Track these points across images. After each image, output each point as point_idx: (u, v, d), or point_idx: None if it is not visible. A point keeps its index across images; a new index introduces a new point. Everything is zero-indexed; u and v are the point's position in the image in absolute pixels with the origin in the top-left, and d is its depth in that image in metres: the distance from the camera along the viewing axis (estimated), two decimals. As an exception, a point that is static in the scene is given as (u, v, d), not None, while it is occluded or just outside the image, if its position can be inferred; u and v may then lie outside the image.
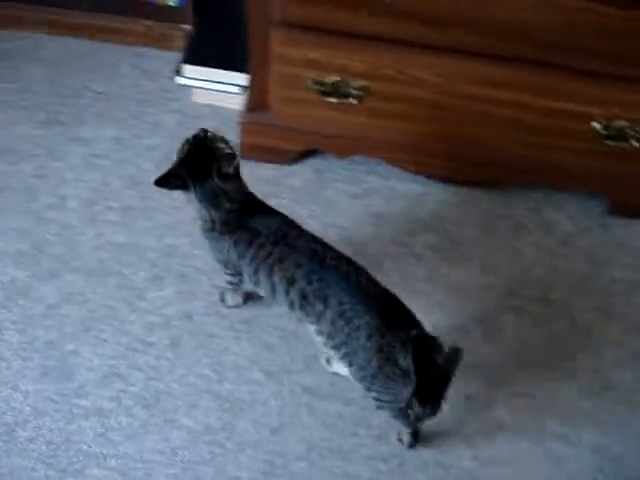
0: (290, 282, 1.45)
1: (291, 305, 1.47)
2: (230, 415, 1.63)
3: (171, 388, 1.65)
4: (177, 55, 2.15)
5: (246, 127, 1.93)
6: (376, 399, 1.48)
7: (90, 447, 1.58)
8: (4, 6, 2.19)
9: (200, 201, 1.46)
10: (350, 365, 1.46)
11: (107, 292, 1.78)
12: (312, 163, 2.01)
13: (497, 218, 1.96)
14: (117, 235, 1.84)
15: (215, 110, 2.09)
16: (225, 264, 1.60)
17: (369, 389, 1.46)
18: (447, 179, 1.96)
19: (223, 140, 1.45)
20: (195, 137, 1.44)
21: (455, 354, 1.36)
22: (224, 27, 2.09)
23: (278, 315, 1.73)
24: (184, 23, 2.14)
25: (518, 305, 1.82)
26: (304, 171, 2.00)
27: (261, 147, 1.95)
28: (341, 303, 1.40)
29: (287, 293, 1.46)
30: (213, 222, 1.50)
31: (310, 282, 1.43)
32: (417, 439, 1.59)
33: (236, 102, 2.04)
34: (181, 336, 1.72)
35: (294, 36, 1.68)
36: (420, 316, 1.44)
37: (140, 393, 1.64)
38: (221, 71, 2.00)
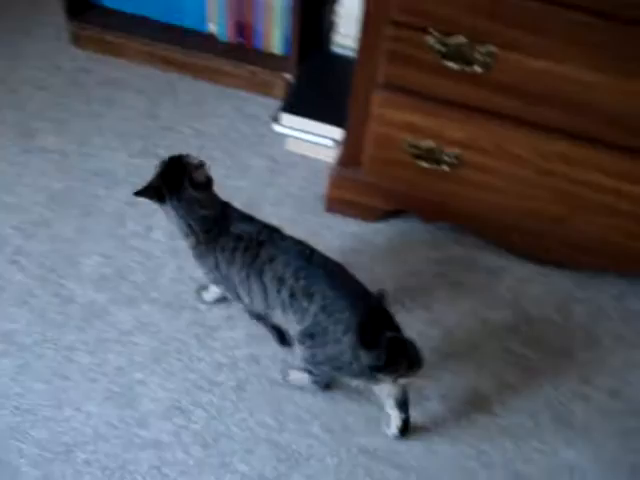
0: (280, 281, 1.49)
1: (282, 305, 1.51)
2: (285, 467, 1.62)
3: (231, 431, 1.65)
4: (276, 102, 2.20)
5: (335, 180, 1.95)
6: (313, 374, 1.61)
7: (144, 478, 1.59)
8: (119, 36, 2.28)
9: (176, 211, 1.53)
10: (311, 351, 1.52)
11: (180, 326, 1.80)
12: (396, 223, 2.01)
13: (577, 301, 1.92)
14: (197, 270, 1.86)
15: (306, 160, 2.12)
16: (218, 281, 1.64)
17: (310, 371, 1.59)
18: (530, 256, 1.93)
19: (193, 157, 1.53)
20: (170, 157, 1.53)
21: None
22: (325, 80, 2.13)
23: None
24: (287, 72, 2.18)
25: (588, 394, 1.77)
26: (387, 230, 2.00)
27: (348, 202, 1.97)
28: (325, 297, 1.46)
29: (279, 292, 1.50)
30: (196, 234, 1.56)
31: (298, 279, 1.48)
32: (406, 431, 1.62)
33: (328, 155, 2.07)
34: (247, 379, 1.73)
35: (395, 99, 1.70)
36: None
37: (200, 431, 1.65)
38: (317, 123, 2.02)
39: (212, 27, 2.26)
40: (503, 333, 1.85)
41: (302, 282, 1.47)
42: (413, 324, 1.79)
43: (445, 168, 1.77)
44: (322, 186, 2.03)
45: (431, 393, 1.72)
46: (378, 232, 2.00)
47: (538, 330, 1.86)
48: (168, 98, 2.25)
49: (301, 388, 1.70)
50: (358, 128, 1.81)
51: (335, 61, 2.14)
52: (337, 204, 1.98)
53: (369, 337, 1.38)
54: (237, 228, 1.56)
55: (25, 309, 1.81)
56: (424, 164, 1.79)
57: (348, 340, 1.43)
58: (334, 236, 1.98)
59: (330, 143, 2.04)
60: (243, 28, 2.22)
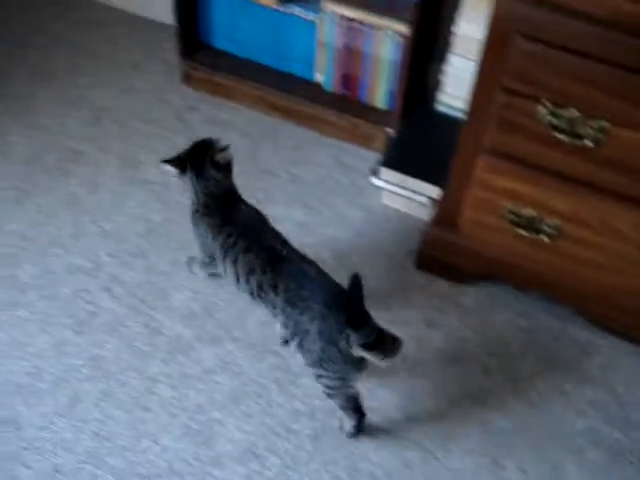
0: (250, 272, 1.59)
1: (251, 294, 1.62)
2: (356, 525, 1.60)
3: (304, 481, 1.65)
4: (375, 155, 2.22)
5: (429, 239, 1.94)
6: (326, 386, 1.58)
7: (214, 519, 1.59)
8: (228, 78, 2.34)
9: (192, 182, 1.69)
10: (302, 352, 1.56)
11: (262, 369, 1.81)
12: (486, 286, 1.99)
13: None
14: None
15: (401, 215, 2.12)
16: (203, 248, 1.76)
17: (319, 376, 1.56)
18: (624, 334, 1.88)
19: (219, 141, 1.70)
20: (202, 139, 1.71)
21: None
22: (426, 138, 2.13)
23: (433, 432, 1.70)
24: (389, 126, 2.20)
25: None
26: (476, 293, 1.98)
27: (439, 261, 1.95)
28: (287, 290, 1.53)
29: (247, 282, 1.61)
30: (198, 204, 1.71)
31: (265, 272, 1.57)
32: (360, 430, 1.68)
33: (423, 212, 2.07)
34: (324, 430, 1.72)
35: (500, 165, 1.69)
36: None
37: (273, 478, 1.64)
38: (415, 180, 2.02)
39: (319, 76, 2.30)
40: (591, 411, 1.79)
41: (269, 274, 1.56)
42: (497, 392, 1.77)
43: (544, 238, 1.75)
44: (414, 243, 2.03)
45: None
46: (466, 293, 1.98)
47: (629, 412, 1.80)
48: (270, 142, 2.29)
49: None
50: (458, 190, 1.80)
51: (438, 119, 2.14)
52: (428, 262, 1.97)
53: (355, 317, 1.43)
54: (231, 213, 1.69)
55: (114, 336, 1.85)
56: (522, 232, 1.77)
57: (316, 328, 1.49)
58: (421, 293, 1.96)
59: (426, 201, 2.04)
60: (349, 80, 2.25)
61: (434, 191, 2.02)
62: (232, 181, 1.73)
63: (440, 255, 1.95)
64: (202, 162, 1.68)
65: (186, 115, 2.35)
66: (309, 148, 2.28)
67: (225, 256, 1.66)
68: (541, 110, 1.55)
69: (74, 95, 2.41)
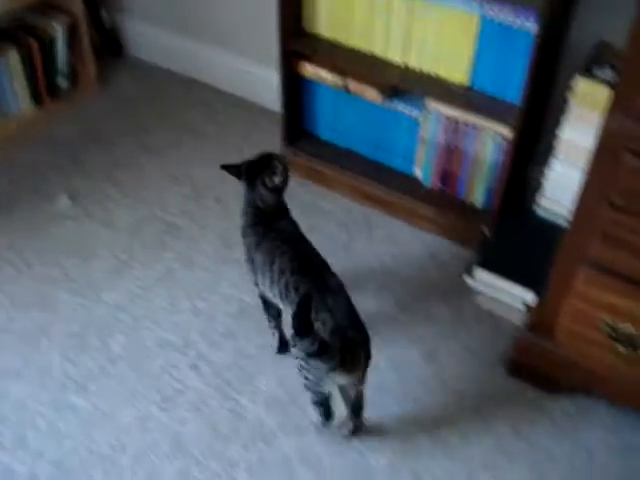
0: (281, 272, 1.72)
1: (280, 294, 1.74)
2: None
3: None
4: (469, 253, 2.21)
5: (521, 345, 1.90)
6: (304, 378, 1.68)
7: None
8: (328, 167, 2.39)
9: (245, 192, 1.82)
10: (294, 344, 1.62)
11: (344, 466, 1.78)
12: (576, 396, 1.92)
13: None
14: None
15: (493, 318, 2.09)
16: (248, 260, 1.85)
17: (300, 368, 1.67)
18: None
19: (283, 162, 1.81)
20: (268, 153, 1.83)
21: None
22: (523, 240, 2.11)
23: None
24: (485, 225, 2.19)
25: None
26: (566, 403, 1.91)
27: (530, 368, 1.91)
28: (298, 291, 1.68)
29: (278, 281, 1.73)
30: (247, 215, 1.84)
31: (293, 274, 1.70)
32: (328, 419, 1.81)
33: (517, 317, 2.04)
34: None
35: (601, 279, 1.65)
36: None
37: None
38: (510, 283, 2.00)
39: (418, 171, 2.32)
40: None
41: (295, 277, 1.69)
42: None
43: (642, 355, 1.69)
44: (505, 347, 1.99)
45: None
46: (556, 403, 1.91)
47: None
48: (365, 232, 2.32)
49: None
50: (555, 298, 1.76)
51: (536, 223, 2.12)
52: (519, 369, 1.92)
53: (301, 325, 1.52)
54: (276, 225, 1.81)
55: (198, 416, 1.87)
56: (620, 347, 1.71)
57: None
58: (510, 400, 1.91)
59: (521, 305, 2.01)
60: (448, 176, 2.26)
61: (529, 296, 1.98)
62: (282, 199, 1.86)
63: (533, 362, 1.90)
64: (256, 177, 1.80)
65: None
66: (404, 241, 2.29)
67: (265, 261, 1.78)
68: (648, 228, 1.52)
69: (177, 170, 2.50)
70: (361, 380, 1.69)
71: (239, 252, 2.21)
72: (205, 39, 2.75)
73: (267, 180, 1.80)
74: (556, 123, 2.01)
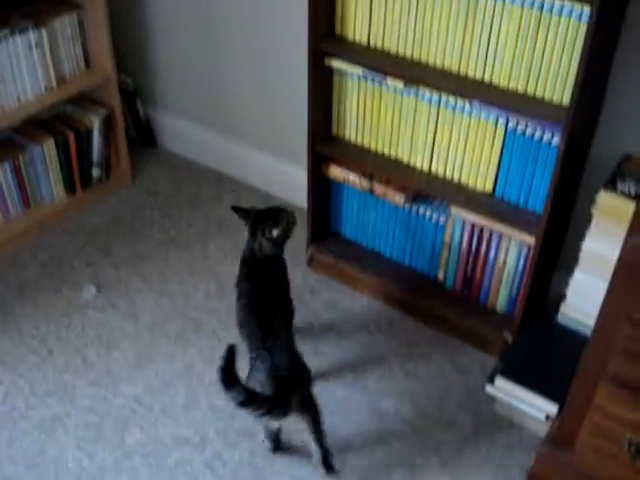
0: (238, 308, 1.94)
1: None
2: None
3: None
4: (491, 358, 2.20)
5: (542, 458, 1.86)
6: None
7: None
8: (351, 266, 2.41)
9: (248, 235, 1.98)
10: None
11: None
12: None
13: None
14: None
15: (514, 427, 2.06)
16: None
17: None
18: None
19: (290, 218, 1.98)
20: (279, 207, 2.00)
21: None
22: (545, 349, 2.09)
23: None
24: (507, 331, 2.18)
25: None
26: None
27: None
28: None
29: (240, 311, 1.94)
30: (244, 253, 2.00)
31: (242, 310, 1.92)
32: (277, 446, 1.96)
33: (538, 427, 2.00)
34: None
35: (623, 395, 1.63)
36: None
37: None
38: (531, 393, 1.97)
39: (441, 275, 2.33)
40: None
41: (245, 317, 1.90)
42: None
43: (664, 472, 1.65)
44: (525, 459, 1.96)
45: None
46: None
47: None
48: (386, 333, 2.31)
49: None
50: (576, 413, 1.74)
51: (559, 332, 2.11)
52: (540, 476, 1.88)
53: (225, 377, 1.64)
54: (262, 272, 1.96)
55: (210, 518, 1.84)
56: (641, 465, 1.68)
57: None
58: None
59: (542, 416, 1.98)
60: (471, 281, 2.27)
61: (550, 407, 1.96)
62: (280, 252, 2.00)
63: (553, 476, 1.86)
64: (260, 225, 1.95)
65: (307, 297, 2.42)
66: (425, 344, 2.28)
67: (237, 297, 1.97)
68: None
69: (203, 266, 2.53)
70: (307, 420, 1.82)
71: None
72: (236, 135, 2.84)
73: (267, 230, 1.94)
74: (580, 233, 2.03)
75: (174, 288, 2.45)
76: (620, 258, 1.51)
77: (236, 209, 2.02)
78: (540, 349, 2.10)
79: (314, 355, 2.22)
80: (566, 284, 2.11)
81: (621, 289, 1.53)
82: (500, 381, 2.01)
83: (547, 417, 1.98)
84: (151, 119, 3.05)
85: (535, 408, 1.99)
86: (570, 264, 2.08)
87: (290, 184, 2.74)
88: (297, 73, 2.41)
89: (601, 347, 1.62)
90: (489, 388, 2.04)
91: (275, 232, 1.94)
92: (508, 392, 2.01)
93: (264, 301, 1.91)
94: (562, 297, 2.12)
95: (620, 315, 1.56)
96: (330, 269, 2.48)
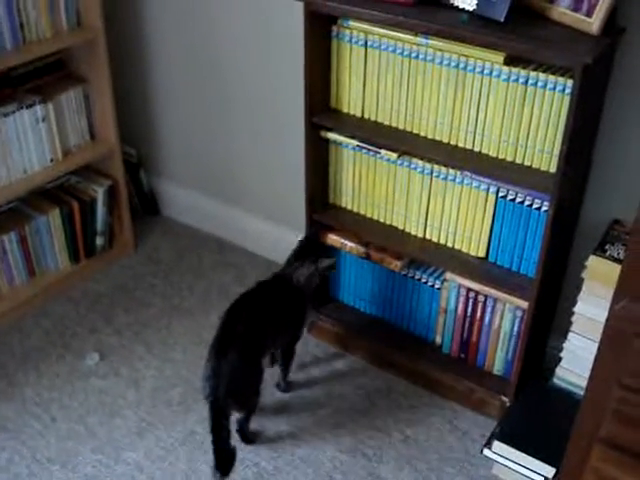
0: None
1: None
2: None
3: None
4: (489, 421, 2.22)
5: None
6: None
7: None
8: (349, 331, 2.45)
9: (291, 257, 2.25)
10: None
11: None
12: None
13: None
14: None
15: (512, 491, 2.07)
16: None
17: None
18: None
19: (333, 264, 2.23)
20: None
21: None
22: (542, 412, 2.12)
23: None
24: (504, 394, 2.21)
25: None
26: None
27: None
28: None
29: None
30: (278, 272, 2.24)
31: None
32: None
33: (536, 490, 2.02)
34: None
35: (616, 457, 1.64)
36: None
37: None
38: (529, 457, 1.99)
39: (438, 339, 2.37)
40: None
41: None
42: None
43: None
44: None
45: None
46: None
47: None
48: (385, 398, 2.34)
49: None
50: (573, 475, 1.75)
51: (555, 394, 2.14)
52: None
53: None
54: (278, 289, 2.17)
55: None
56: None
57: None
58: None
59: (539, 479, 1.99)
60: (468, 345, 2.31)
61: (548, 470, 1.97)
62: (307, 289, 2.18)
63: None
64: (311, 253, 2.19)
65: (307, 363, 2.45)
66: (424, 409, 2.30)
67: None
68: (660, 409, 1.54)
69: (206, 334, 2.54)
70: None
71: (259, 422, 2.24)
72: (238, 204, 2.91)
73: (319, 259, 2.16)
74: (573, 297, 2.08)
75: (177, 355, 2.49)
76: (607, 323, 1.56)
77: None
78: (537, 412, 2.12)
79: (312, 418, 2.25)
80: (560, 347, 2.15)
81: (609, 354, 1.57)
82: (498, 445, 2.03)
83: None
84: (154, 188, 3.13)
85: (533, 471, 2.00)
86: (564, 328, 2.13)
87: (290, 250, 2.79)
88: (295, 144, 2.49)
89: (594, 410, 1.65)
90: (487, 452, 2.06)
91: (325, 263, 2.16)
92: (506, 456, 2.03)
93: (251, 315, 2.03)
94: (557, 360, 2.15)
95: (610, 379, 1.59)
96: (330, 335, 2.51)
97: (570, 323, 2.07)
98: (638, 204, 1.40)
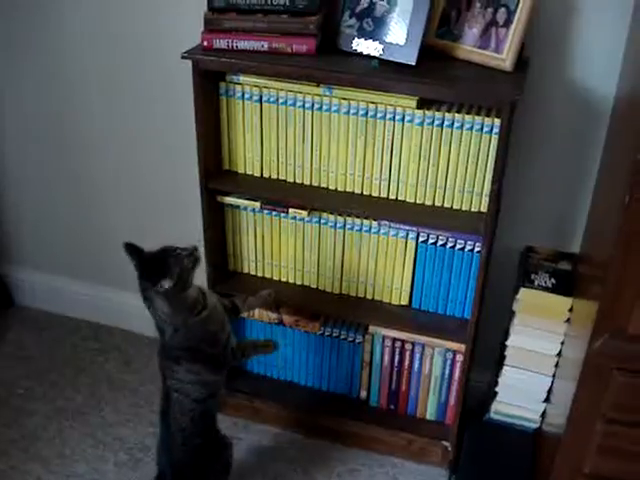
0: None
1: None
2: None
3: None
4: (434, 470, 2.16)
5: None
6: None
7: None
8: (266, 403, 2.29)
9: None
10: None
11: None
12: None
13: None
14: None
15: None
16: None
17: None
18: None
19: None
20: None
21: None
22: (491, 451, 2.06)
23: None
24: (444, 440, 2.15)
25: None
26: None
27: None
28: None
29: None
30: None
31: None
32: None
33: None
34: None
35: (601, 489, 1.64)
36: None
37: None
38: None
39: (363, 393, 2.27)
40: None
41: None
42: None
43: None
44: None
45: None
46: None
47: None
48: (323, 468, 2.19)
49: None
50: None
51: (497, 430, 2.09)
52: None
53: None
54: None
55: None
56: None
57: None
58: None
59: (507, 522, 1.95)
60: (397, 395, 2.22)
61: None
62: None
63: None
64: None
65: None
66: (365, 470, 2.19)
67: None
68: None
69: (105, 435, 2.28)
70: None
71: None
72: (114, 283, 2.63)
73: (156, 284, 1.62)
74: (489, 329, 2.08)
75: (80, 467, 2.18)
76: (585, 360, 1.53)
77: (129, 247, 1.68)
78: (486, 453, 2.07)
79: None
80: (481, 381, 2.13)
81: (590, 390, 1.55)
82: (460, 499, 1.97)
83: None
84: (4, 276, 2.77)
85: (499, 515, 1.96)
86: (484, 361, 2.13)
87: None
88: (185, 210, 2.31)
89: (576, 446, 1.63)
90: (451, 506, 1.99)
91: (165, 284, 1.61)
92: (470, 506, 1.97)
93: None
94: (492, 395, 2.13)
95: (593, 414, 1.57)
96: (246, 410, 2.33)
97: (504, 358, 2.05)
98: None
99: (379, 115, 1.84)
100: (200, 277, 2.10)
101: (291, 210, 2.03)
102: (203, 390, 1.80)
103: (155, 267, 1.64)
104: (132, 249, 1.67)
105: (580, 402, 1.59)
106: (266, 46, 1.80)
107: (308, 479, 2.16)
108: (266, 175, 2.03)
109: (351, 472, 2.19)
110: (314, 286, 2.15)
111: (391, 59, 1.76)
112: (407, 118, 1.83)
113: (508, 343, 2.02)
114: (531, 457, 2.01)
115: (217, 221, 2.11)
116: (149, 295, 1.66)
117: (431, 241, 1.97)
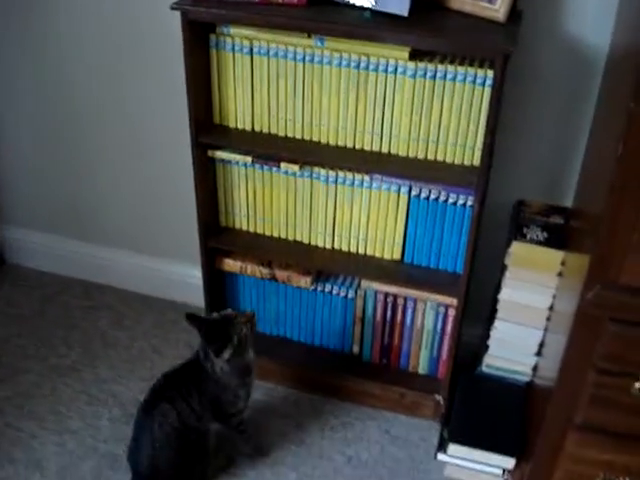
0: None
1: None
2: None
3: None
4: (425, 423, 2.18)
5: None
6: None
7: None
8: (262, 360, 2.29)
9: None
10: None
11: None
12: None
13: None
14: None
15: (469, 487, 2.04)
16: None
17: None
18: None
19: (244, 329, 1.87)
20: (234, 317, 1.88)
21: None
22: (483, 404, 2.09)
23: None
24: (437, 393, 2.17)
25: None
26: None
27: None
28: None
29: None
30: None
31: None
32: None
33: (494, 481, 2.00)
34: None
35: (593, 439, 1.65)
36: None
37: None
38: (486, 453, 1.97)
39: (356, 348, 2.28)
40: None
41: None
42: None
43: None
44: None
45: None
46: None
47: None
48: (315, 422, 2.21)
49: None
50: (547, 463, 1.74)
51: (488, 383, 2.11)
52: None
53: None
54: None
55: None
56: (617, 498, 1.71)
57: None
58: None
59: (499, 472, 1.97)
60: (389, 350, 2.24)
61: (506, 461, 1.96)
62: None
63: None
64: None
65: (220, 400, 2.26)
66: (357, 424, 2.21)
67: None
68: (636, 385, 1.55)
69: (98, 390, 2.29)
70: None
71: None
72: (108, 241, 2.62)
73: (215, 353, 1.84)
74: (481, 283, 2.08)
75: (74, 423, 2.19)
76: (578, 311, 1.54)
77: (190, 317, 1.86)
78: (479, 405, 2.10)
79: (248, 461, 2.08)
80: (473, 335, 2.14)
81: (582, 340, 1.56)
82: (454, 448, 1.99)
83: (504, 471, 1.98)
84: (-6, 236, 2.76)
85: (492, 466, 1.98)
86: (474, 315, 2.14)
87: (169, 281, 2.58)
88: (175, 166, 2.29)
89: (567, 397, 1.64)
90: (442, 457, 2.01)
91: (226, 354, 1.84)
92: (463, 456, 1.99)
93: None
94: (484, 348, 2.14)
95: (584, 365, 1.58)
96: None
97: (496, 311, 2.06)
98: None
99: (371, 67, 1.82)
100: (192, 232, 2.11)
101: (283, 164, 2.01)
102: (192, 418, 1.89)
103: (216, 334, 1.84)
104: (194, 319, 1.86)
105: (571, 353, 1.59)
106: (257, -4, 1.78)
107: (301, 433, 2.18)
108: (257, 129, 2.01)
109: (344, 425, 2.21)
110: (306, 241, 2.14)
111: (383, 10, 1.73)
112: (399, 70, 1.81)
113: (500, 297, 2.03)
114: (522, 410, 2.04)
115: (208, 176, 2.09)
116: (210, 357, 1.86)
117: (423, 195, 1.96)
